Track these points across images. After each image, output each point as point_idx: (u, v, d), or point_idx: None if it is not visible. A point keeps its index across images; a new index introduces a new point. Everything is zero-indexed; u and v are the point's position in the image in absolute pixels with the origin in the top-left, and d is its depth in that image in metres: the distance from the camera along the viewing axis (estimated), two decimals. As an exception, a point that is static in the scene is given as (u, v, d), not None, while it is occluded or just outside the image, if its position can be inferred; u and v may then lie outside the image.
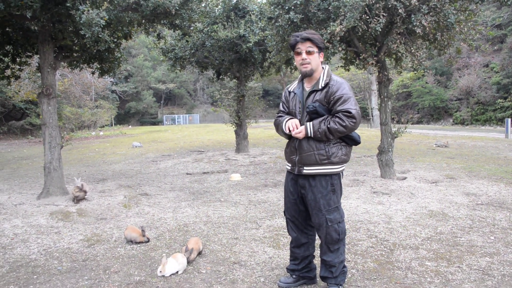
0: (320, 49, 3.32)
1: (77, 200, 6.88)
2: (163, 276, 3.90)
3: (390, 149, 8.30)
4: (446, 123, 35.81)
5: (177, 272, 3.97)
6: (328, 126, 3.15)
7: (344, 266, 3.44)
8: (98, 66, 8.74)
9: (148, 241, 4.95)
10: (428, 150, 13.75)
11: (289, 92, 3.52)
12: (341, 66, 9.82)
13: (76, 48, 8.00)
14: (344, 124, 3.11)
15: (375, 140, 16.27)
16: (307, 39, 3.27)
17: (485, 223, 5.32)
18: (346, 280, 3.51)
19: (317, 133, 3.19)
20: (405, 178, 8.29)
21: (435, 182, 7.94)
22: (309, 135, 3.24)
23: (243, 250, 4.63)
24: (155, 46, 12.90)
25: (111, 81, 40.47)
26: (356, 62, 8.75)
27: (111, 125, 43.66)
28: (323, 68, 3.38)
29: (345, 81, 3.31)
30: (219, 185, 8.58)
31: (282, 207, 6.46)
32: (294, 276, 3.61)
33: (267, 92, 60.64)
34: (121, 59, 8.84)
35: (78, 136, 27.92)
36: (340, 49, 7.42)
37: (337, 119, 3.14)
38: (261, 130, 26.84)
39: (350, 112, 3.11)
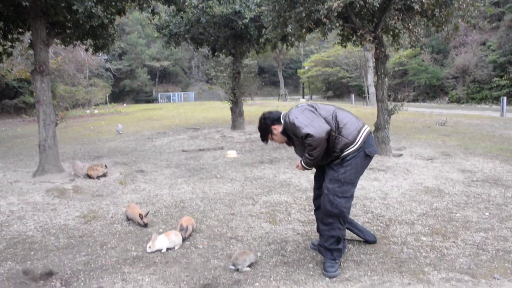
0: (268, 129, 3.59)
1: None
2: (159, 251, 3.94)
3: (386, 126, 8.29)
4: (441, 101, 35.75)
5: (174, 248, 4.00)
6: (306, 152, 3.34)
7: (339, 243, 3.45)
8: (92, 43, 8.60)
9: (146, 226, 4.69)
10: (424, 127, 13.77)
11: None
12: (338, 42, 9.73)
13: (69, 24, 7.84)
14: (308, 142, 3.23)
15: (371, 118, 16.23)
16: (264, 139, 3.71)
17: (480, 199, 5.36)
18: (342, 255, 3.54)
19: (306, 160, 3.40)
20: (401, 155, 8.31)
21: (431, 159, 7.97)
22: (304, 165, 3.49)
23: (239, 226, 4.65)
24: (149, 22, 12.69)
25: (105, 59, 40.00)
26: (353, 38, 8.65)
27: (106, 103, 43.33)
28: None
29: (294, 108, 3.47)
30: (215, 162, 8.58)
31: (278, 183, 6.50)
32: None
33: (263, 70, 60.28)
34: (115, 35, 8.70)
35: (72, 114, 27.68)
36: (337, 25, 7.34)
37: (305, 143, 3.28)
38: (256, 107, 26.69)
39: (306, 136, 3.22)
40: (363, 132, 3.39)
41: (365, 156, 3.40)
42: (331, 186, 3.35)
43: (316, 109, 3.40)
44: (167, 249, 3.98)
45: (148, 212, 4.91)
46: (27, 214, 5.21)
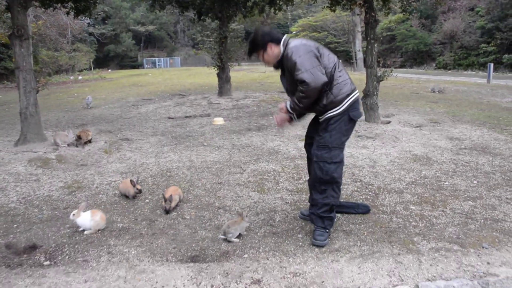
0: (263, 46, 3.40)
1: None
2: (76, 223, 3.71)
3: (375, 93, 8.22)
4: (429, 67, 35.67)
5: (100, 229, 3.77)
6: (296, 96, 3.23)
7: (331, 212, 3.41)
8: (73, 6, 8.24)
9: (140, 192, 4.57)
10: (412, 94, 13.73)
11: None
12: (326, 6, 9.50)
13: (48, -15, 7.50)
14: (301, 89, 3.13)
15: (358, 84, 16.11)
16: (250, 53, 3.60)
17: (468, 168, 5.35)
18: (332, 224, 3.50)
19: (294, 105, 3.30)
20: (389, 122, 8.27)
21: (419, 126, 7.94)
22: (289, 109, 3.37)
23: (227, 195, 4.59)
24: (132, -16, 12.26)
25: (87, 23, 38.91)
26: (343, 2, 8.44)
27: (90, 69, 42.46)
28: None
29: (300, 42, 3.29)
30: (202, 129, 8.45)
31: (266, 151, 6.43)
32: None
33: (250, 35, 59.39)
34: (97, -2, 8.36)
35: (55, 80, 27.04)
36: (327, -12, 7.12)
37: (298, 88, 3.17)
38: (244, 73, 26.43)
39: (301, 81, 3.10)
40: (352, 97, 3.31)
41: (349, 120, 3.34)
42: (320, 153, 3.32)
43: (321, 55, 3.24)
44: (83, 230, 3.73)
45: (138, 178, 4.77)
46: (9, 185, 5.07)
